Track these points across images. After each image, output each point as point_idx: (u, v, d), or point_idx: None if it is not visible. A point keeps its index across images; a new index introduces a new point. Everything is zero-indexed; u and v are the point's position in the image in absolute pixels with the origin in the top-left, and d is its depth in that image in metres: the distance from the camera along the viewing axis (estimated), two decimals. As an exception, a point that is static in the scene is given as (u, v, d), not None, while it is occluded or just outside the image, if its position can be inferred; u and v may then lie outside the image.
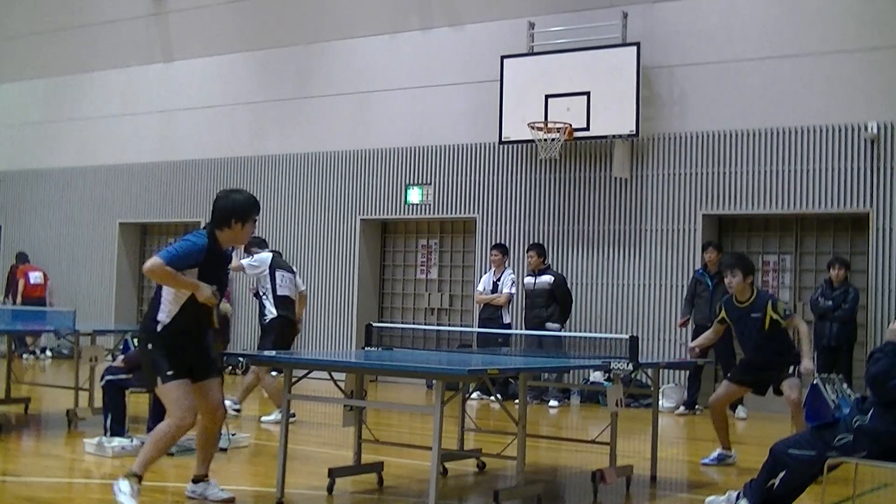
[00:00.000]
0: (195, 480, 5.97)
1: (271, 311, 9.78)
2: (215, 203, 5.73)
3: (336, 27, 15.13)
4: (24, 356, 16.23)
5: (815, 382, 5.62)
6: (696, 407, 11.67)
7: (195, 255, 5.54)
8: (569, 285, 12.53)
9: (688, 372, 11.63)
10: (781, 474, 5.22)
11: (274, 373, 14.51)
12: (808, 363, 7.69)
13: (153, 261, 5.45)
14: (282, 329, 9.80)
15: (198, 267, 5.56)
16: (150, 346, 5.57)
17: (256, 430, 9.19)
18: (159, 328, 5.57)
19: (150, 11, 16.89)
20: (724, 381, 8.16)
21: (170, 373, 5.50)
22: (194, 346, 5.68)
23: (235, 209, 5.68)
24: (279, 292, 9.80)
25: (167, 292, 5.60)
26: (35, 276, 16.84)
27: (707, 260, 11.59)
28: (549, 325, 11.95)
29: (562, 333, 10.87)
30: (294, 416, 9.69)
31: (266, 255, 9.95)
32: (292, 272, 10.15)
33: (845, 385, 5.68)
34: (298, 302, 10.18)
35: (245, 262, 9.84)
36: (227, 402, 9.34)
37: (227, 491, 5.93)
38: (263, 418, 9.79)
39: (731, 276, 7.69)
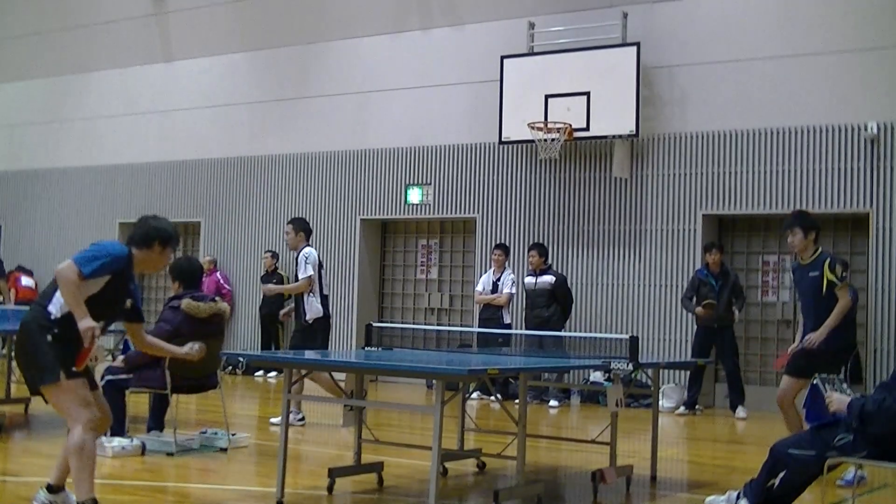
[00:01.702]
0: (52, 490, 5.35)
1: (318, 310, 9.57)
2: (140, 223, 5.45)
3: (336, 27, 15.13)
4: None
5: (815, 382, 5.62)
6: (697, 407, 11.67)
7: (114, 264, 5.18)
8: (569, 285, 12.53)
9: (688, 372, 11.63)
10: (781, 474, 5.22)
11: (272, 373, 14.57)
12: (815, 335, 7.16)
13: (70, 270, 5.03)
14: (325, 329, 9.71)
15: (109, 278, 5.16)
16: (49, 337, 5.08)
17: (256, 430, 9.18)
18: (52, 318, 5.12)
19: (150, 11, 16.89)
20: (784, 376, 7.57)
21: (74, 368, 5.08)
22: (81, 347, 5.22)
23: (161, 232, 5.41)
24: (325, 291, 9.70)
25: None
26: (27, 281, 16.97)
27: (710, 261, 11.57)
28: None
29: (562, 333, 10.87)
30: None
31: (313, 252, 9.72)
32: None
33: (845, 385, 5.68)
34: None
35: (304, 275, 9.51)
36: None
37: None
38: (272, 420, 9.44)
39: (792, 236, 7.33)
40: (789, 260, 12.18)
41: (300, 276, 9.58)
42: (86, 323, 5.03)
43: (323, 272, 9.77)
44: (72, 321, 5.06)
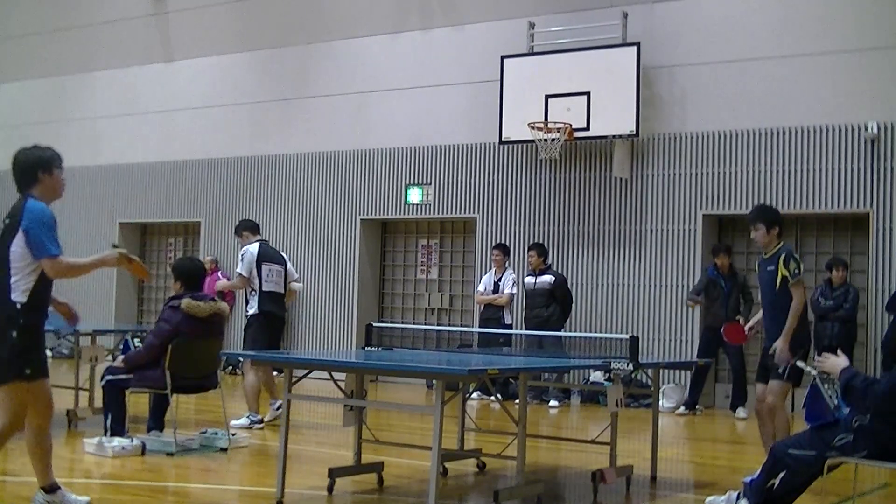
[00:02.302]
0: (47, 490, 5.35)
1: (253, 307, 9.44)
2: (14, 169, 5.40)
3: (336, 27, 15.13)
4: None
5: (814, 383, 5.61)
6: (697, 407, 11.67)
7: (53, 221, 5.25)
8: (569, 285, 12.53)
9: (689, 372, 11.63)
10: (781, 474, 5.20)
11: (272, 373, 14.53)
12: (779, 343, 6.80)
13: (53, 263, 5.08)
14: (262, 326, 9.43)
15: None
16: (14, 333, 5.03)
17: (256, 430, 9.17)
18: (19, 307, 5.06)
19: (150, 11, 16.89)
20: (757, 384, 7.25)
21: (28, 371, 5.08)
22: (44, 331, 5.22)
23: (36, 161, 5.41)
24: (265, 288, 9.42)
25: (19, 263, 5.12)
26: None
27: (720, 263, 11.56)
28: None
29: (562, 333, 10.87)
30: (262, 421, 9.30)
31: (253, 248, 9.53)
32: (282, 262, 9.72)
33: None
34: (287, 295, 9.79)
35: (238, 270, 9.51)
36: (243, 421, 9.18)
37: (83, 497, 5.52)
38: (233, 422, 9.00)
39: (755, 231, 7.08)
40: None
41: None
42: (108, 257, 5.37)
43: (267, 267, 9.49)
44: (36, 306, 5.13)
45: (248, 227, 9.85)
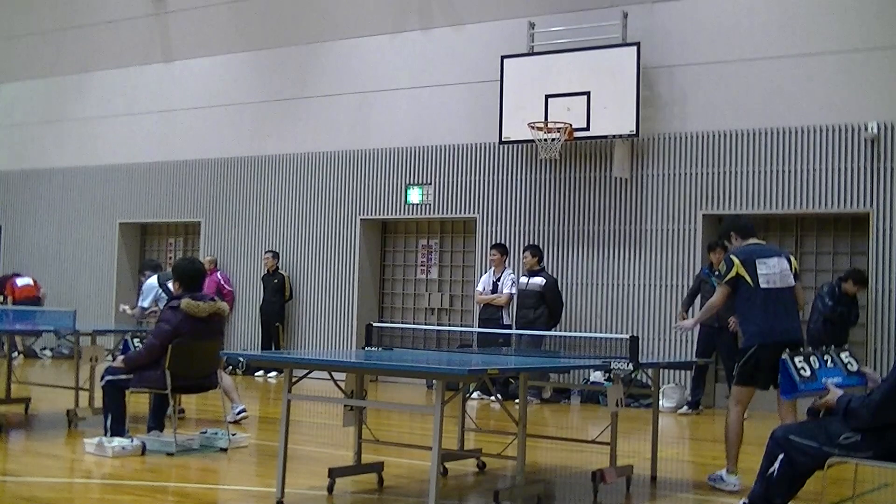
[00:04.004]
0: None
1: None
2: None
3: (336, 27, 15.14)
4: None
5: (783, 358, 5.71)
6: (700, 407, 11.67)
7: None
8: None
9: (689, 372, 11.61)
10: (780, 457, 5.05)
11: (272, 373, 14.57)
12: (685, 322, 7.20)
13: None
14: None
15: None
16: None
17: (256, 430, 9.18)
18: None
19: (150, 11, 16.89)
20: None
21: None
22: None
23: None
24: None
25: None
26: (23, 281, 16.90)
27: (714, 260, 11.54)
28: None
29: (554, 333, 10.88)
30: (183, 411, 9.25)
31: (153, 280, 9.98)
32: None
33: (845, 355, 5.68)
34: None
35: (141, 304, 9.92)
36: (230, 417, 9.19)
37: None
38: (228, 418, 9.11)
39: (729, 245, 7.01)
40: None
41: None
42: None
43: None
44: None
45: (150, 267, 10.43)
